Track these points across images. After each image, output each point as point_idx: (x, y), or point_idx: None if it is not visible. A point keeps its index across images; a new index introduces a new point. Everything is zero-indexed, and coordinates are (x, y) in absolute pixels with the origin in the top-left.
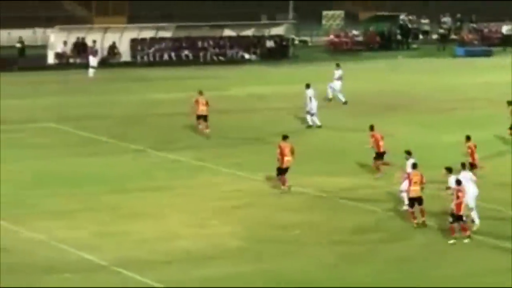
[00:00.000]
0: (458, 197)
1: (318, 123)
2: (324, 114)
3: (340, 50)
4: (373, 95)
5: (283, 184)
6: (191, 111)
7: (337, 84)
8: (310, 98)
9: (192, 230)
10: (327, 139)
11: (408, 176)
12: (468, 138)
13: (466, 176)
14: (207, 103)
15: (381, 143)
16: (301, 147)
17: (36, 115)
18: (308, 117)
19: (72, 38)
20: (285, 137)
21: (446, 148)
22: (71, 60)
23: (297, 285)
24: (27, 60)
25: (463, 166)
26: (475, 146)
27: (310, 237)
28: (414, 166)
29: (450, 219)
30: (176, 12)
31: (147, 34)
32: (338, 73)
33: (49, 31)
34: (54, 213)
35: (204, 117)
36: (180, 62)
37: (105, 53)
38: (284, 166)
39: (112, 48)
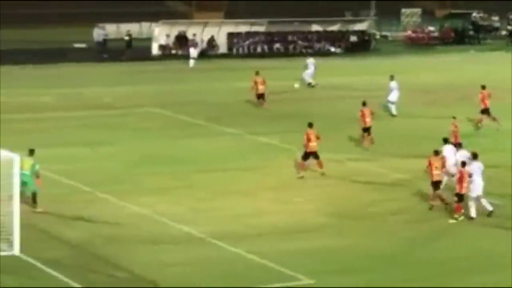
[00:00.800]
0: (461, 178)
1: (394, 112)
2: (401, 103)
3: (417, 44)
4: (446, 85)
5: (301, 168)
6: (251, 91)
7: (309, 72)
8: (392, 89)
9: (280, 206)
10: (404, 126)
11: (429, 162)
12: (454, 118)
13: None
14: (264, 82)
15: (367, 119)
16: (380, 132)
17: (141, 101)
18: (391, 107)
19: (174, 32)
20: (310, 125)
21: (507, 134)
22: (173, 52)
23: (374, 258)
24: (134, 51)
25: (474, 156)
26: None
27: (388, 215)
28: (436, 153)
29: (456, 199)
30: (269, 9)
31: (243, 28)
32: (310, 62)
33: (153, 25)
34: (156, 190)
35: (262, 95)
36: (272, 54)
37: (204, 45)
38: (309, 150)
39: (211, 41)
